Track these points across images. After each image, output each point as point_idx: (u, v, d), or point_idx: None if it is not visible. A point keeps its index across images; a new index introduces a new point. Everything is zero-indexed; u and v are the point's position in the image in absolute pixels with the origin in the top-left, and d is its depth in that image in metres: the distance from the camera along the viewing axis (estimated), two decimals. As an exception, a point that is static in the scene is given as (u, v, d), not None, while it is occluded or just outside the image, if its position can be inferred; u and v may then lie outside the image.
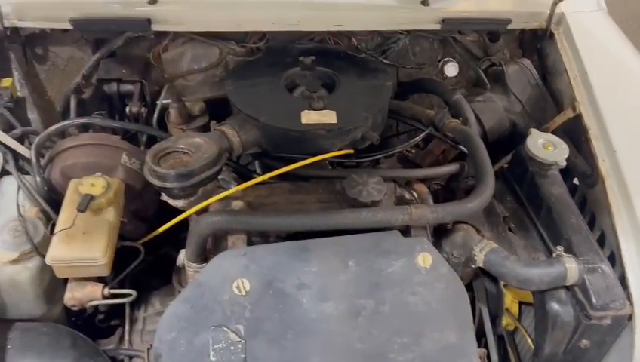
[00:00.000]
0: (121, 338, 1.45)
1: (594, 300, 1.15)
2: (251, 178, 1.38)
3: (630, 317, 1.18)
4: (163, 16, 1.47)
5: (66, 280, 1.27)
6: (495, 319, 1.42)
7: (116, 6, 1.46)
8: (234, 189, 1.29)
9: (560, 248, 1.22)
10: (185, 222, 1.37)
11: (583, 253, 1.22)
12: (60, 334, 1.24)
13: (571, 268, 1.17)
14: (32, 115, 1.57)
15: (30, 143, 1.41)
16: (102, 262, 1.12)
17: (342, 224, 1.19)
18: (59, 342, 1.21)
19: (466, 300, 1.23)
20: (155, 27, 1.47)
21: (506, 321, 1.45)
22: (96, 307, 1.47)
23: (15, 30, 1.51)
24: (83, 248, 1.11)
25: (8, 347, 1.15)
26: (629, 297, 1.19)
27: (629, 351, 1.20)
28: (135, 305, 1.45)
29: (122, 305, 1.46)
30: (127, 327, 1.40)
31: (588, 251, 1.23)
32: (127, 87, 1.55)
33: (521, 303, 1.46)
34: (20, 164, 1.36)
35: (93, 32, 1.55)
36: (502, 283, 1.45)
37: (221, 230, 1.18)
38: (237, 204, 1.26)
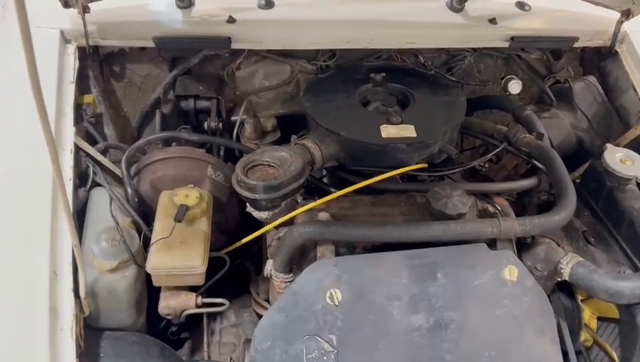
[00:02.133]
0: (192, 350, 1.46)
1: (686, 314, 1.15)
2: (328, 192, 1.40)
3: None
4: (241, 34, 1.52)
5: (150, 291, 1.30)
6: (573, 334, 1.41)
7: (197, 26, 1.51)
8: (319, 201, 1.31)
9: (648, 262, 1.22)
10: (258, 236, 1.40)
11: (671, 266, 1.22)
12: (148, 343, 1.25)
13: (663, 281, 1.16)
14: (109, 130, 1.62)
15: (109, 158, 1.45)
16: (200, 271, 1.15)
17: (431, 236, 1.20)
18: (148, 351, 1.23)
19: (551, 313, 1.23)
20: (235, 45, 1.52)
21: (584, 337, 1.43)
22: (169, 319, 1.50)
23: (95, 49, 1.57)
24: (182, 257, 1.14)
25: (101, 355, 1.17)
26: None
27: None
28: (211, 317, 1.47)
29: (195, 317, 1.49)
30: (206, 339, 1.41)
31: (676, 265, 1.23)
32: (203, 104, 1.59)
33: (599, 319, 1.45)
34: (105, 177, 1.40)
35: (171, 51, 1.60)
36: (579, 298, 1.45)
37: (313, 240, 1.20)
38: (323, 216, 1.28)
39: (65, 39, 1.50)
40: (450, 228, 1.21)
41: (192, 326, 1.52)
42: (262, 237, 1.41)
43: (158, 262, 1.14)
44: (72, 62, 1.46)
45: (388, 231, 1.20)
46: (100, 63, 1.62)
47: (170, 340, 1.50)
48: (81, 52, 1.52)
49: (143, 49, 1.61)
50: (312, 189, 1.51)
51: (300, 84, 1.67)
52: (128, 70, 1.66)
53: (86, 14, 1.46)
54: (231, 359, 1.38)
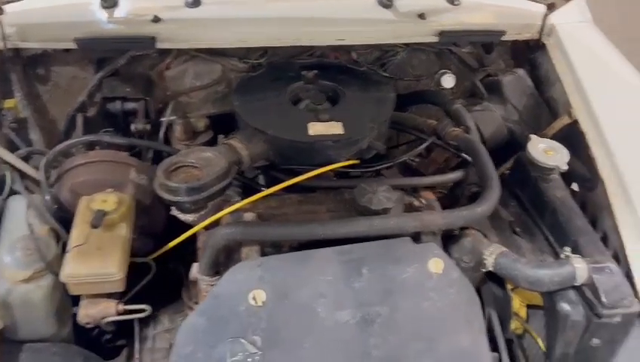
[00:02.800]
0: (129, 357, 1.43)
1: (603, 299, 1.18)
2: (258, 191, 1.39)
3: (639, 315, 1.21)
4: (167, 34, 1.49)
5: (74, 300, 1.26)
6: (504, 323, 1.44)
7: (120, 26, 1.47)
8: (245, 201, 1.30)
9: (567, 249, 1.25)
10: (191, 238, 1.38)
11: (590, 253, 1.25)
12: (72, 354, 1.23)
13: (580, 267, 1.19)
14: (35, 135, 1.57)
15: (33, 163, 1.41)
16: (117, 277, 1.12)
17: (355, 232, 1.20)
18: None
19: (477, 304, 1.25)
20: (160, 45, 1.49)
21: (514, 325, 1.46)
22: (100, 327, 1.47)
23: (16, 51, 1.52)
24: (98, 264, 1.11)
25: (20, 368, 1.14)
26: (636, 295, 1.22)
27: (638, 348, 1.23)
28: (143, 323, 1.44)
29: (129, 323, 1.45)
30: (137, 345, 1.38)
31: (595, 251, 1.26)
32: (131, 105, 1.55)
33: (528, 306, 1.48)
34: (26, 184, 1.36)
35: (96, 52, 1.56)
36: (509, 287, 1.48)
37: (236, 241, 1.19)
38: (248, 216, 1.27)
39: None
40: (374, 224, 1.21)
41: (128, 334, 1.49)
42: (194, 240, 1.40)
43: (72, 270, 1.10)
44: None
45: (312, 228, 1.20)
46: (22, 66, 1.56)
47: (107, 348, 1.47)
48: (0, 55, 1.47)
49: (67, 51, 1.56)
50: (249, 190, 1.49)
51: (232, 82, 1.65)
52: (53, 73, 1.61)
53: (2, 16, 1.41)
54: None
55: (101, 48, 1.52)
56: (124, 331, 1.49)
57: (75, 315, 1.27)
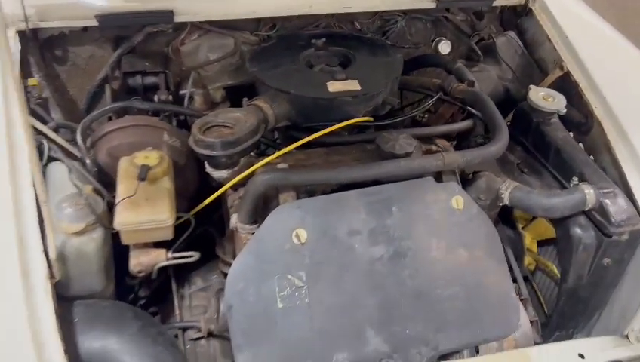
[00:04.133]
0: (162, 321, 1.49)
1: (612, 218, 1.30)
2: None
3: (645, 232, 1.33)
4: (183, 8, 1.56)
5: (119, 257, 1.31)
6: (518, 259, 1.55)
7: (139, 2, 1.54)
8: (275, 155, 1.38)
9: (575, 179, 1.37)
10: (218, 201, 1.45)
11: (595, 181, 1.37)
12: (121, 307, 1.27)
13: (590, 193, 1.31)
14: (56, 114, 1.61)
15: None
16: (168, 223, 1.18)
17: (383, 173, 1.30)
18: (122, 314, 1.24)
19: (497, 236, 1.35)
20: (177, 18, 1.56)
21: (527, 260, 1.58)
22: (136, 292, 1.52)
23: (34, 32, 1.57)
24: (150, 211, 1.17)
25: (75, 320, 1.19)
26: (640, 215, 1.35)
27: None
28: (179, 283, 1.50)
29: (163, 288, 1.51)
30: (176, 303, 1.44)
31: (599, 180, 1.38)
32: (151, 79, 1.61)
33: (539, 243, 1.59)
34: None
35: (115, 29, 1.62)
36: (520, 226, 1.59)
37: (275, 186, 1.27)
38: (281, 166, 1.35)
39: (4, 23, 1.49)
40: (400, 165, 1.31)
41: (159, 300, 1.54)
42: (223, 203, 1.46)
43: (126, 218, 1.16)
44: (13, 46, 1.46)
45: (344, 172, 1.29)
46: (40, 47, 1.61)
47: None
48: (21, 36, 1.51)
49: (84, 30, 1.61)
50: (266, 152, 1.57)
51: (245, 55, 1.73)
52: (71, 53, 1.66)
53: (24, -4, 1.46)
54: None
55: (122, 24, 1.57)
56: (156, 297, 1.55)
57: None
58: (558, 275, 1.44)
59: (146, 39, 1.65)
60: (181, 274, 1.52)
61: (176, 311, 1.43)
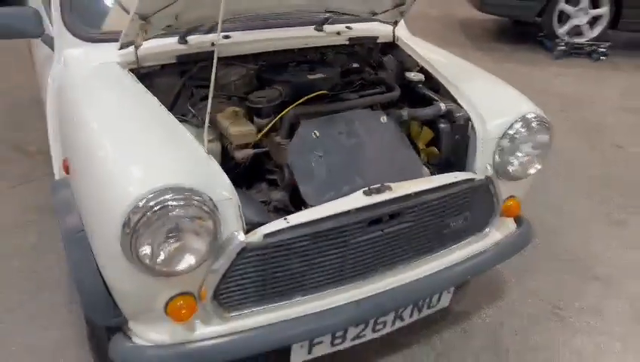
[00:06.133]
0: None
1: (456, 115, 2.77)
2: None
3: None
4: (218, 50, 2.88)
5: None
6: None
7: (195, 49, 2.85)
8: (294, 105, 2.66)
9: (435, 101, 2.85)
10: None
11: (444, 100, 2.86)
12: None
13: (442, 105, 2.79)
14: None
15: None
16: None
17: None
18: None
19: (404, 135, 2.75)
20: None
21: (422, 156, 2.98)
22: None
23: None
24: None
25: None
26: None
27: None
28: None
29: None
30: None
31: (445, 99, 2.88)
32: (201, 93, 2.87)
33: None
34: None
35: (182, 65, 2.88)
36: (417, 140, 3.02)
37: (298, 116, 2.58)
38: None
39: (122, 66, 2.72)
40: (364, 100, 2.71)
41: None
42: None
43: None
44: (130, 79, 2.68)
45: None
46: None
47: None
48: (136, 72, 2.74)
49: (162, 68, 2.86)
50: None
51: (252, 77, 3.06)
52: (155, 80, 2.87)
53: (139, 49, 2.71)
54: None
55: (188, 60, 2.85)
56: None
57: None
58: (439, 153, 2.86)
59: (199, 71, 2.92)
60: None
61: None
